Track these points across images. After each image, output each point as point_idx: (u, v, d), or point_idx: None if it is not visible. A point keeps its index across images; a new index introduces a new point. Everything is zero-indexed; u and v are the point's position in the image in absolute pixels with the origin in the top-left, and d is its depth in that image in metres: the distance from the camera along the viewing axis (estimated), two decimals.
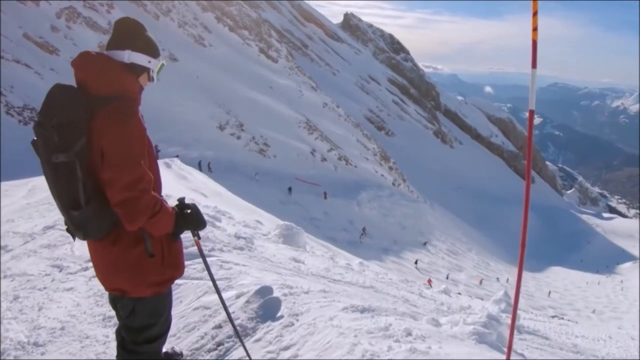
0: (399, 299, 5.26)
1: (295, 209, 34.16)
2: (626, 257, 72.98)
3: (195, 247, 2.65)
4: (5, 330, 3.00)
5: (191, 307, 3.17)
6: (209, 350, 2.69)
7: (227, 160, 38.49)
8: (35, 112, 28.43)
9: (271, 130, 49.00)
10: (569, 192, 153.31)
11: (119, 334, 2.16)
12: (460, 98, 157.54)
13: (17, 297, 3.53)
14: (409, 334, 2.82)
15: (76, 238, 1.90)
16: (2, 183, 9.26)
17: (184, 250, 2.21)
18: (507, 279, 44.05)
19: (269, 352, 2.59)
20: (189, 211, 2.03)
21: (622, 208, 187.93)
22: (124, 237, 1.88)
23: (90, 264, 3.42)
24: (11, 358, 2.71)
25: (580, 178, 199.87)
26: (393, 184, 59.35)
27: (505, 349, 2.73)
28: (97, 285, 3.36)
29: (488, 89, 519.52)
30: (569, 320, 22.06)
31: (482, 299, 16.58)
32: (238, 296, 3.17)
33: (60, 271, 4.05)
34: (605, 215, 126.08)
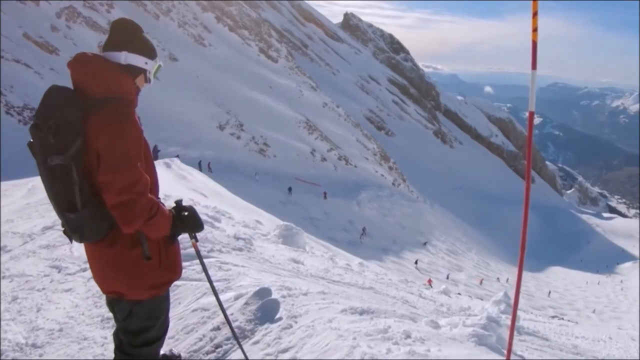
0: (399, 300, 5.25)
1: (295, 209, 34.16)
2: (626, 257, 73.02)
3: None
4: (4, 331, 2.98)
5: (190, 308, 3.16)
6: (208, 353, 2.67)
7: (227, 160, 38.49)
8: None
9: (271, 130, 49.01)
10: (568, 192, 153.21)
11: (116, 336, 2.15)
12: (460, 98, 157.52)
13: (16, 298, 3.52)
14: (408, 336, 2.81)
15: (73, 240, 1.89)
16: (2, 183, 9.23)
17: (183, 251, 2.20)
18: (507, 279, 44.05)
19: (267, 354, 2.58)
20: (186, 214, 2.02)
21: (622, 208, 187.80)
22: (121, 240, 1.87)
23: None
24: (9, 359, 2.70)
25: (580, 178, 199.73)
26: (393, 184, 59.36)
27: (505, 351, 2.72)
28: (96, 286, 3.34)
29: (488, 88, 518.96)
30: (569, 320, 22.03)
31: (482, 299, 16.57)
32: (237, 298, 3.17)
33: (59, 272, 4.05)
34: (605, 215, 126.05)
